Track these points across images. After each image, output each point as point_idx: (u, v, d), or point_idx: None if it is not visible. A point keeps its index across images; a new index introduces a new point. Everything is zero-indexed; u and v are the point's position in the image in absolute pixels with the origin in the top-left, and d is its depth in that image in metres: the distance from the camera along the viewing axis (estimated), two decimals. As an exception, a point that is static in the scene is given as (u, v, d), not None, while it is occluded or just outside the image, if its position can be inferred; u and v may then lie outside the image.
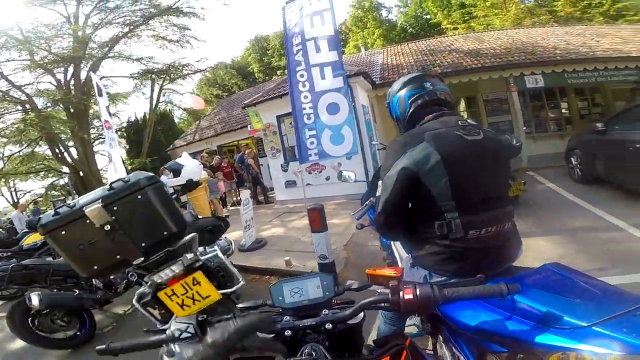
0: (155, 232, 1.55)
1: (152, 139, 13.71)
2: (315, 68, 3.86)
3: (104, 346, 0.75)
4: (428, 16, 26.89)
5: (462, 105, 10.16)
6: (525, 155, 7.28)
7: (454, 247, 1.10)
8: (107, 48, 11.99)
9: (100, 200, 1.42)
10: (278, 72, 26.30)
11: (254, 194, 8.55)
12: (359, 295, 0.84)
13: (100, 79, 10.26)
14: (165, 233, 1.56)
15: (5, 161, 13.38)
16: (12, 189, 18.50)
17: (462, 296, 0.71)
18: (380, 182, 1.20)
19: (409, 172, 1.11)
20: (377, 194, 1.21)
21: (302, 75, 3.93)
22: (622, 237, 3.31)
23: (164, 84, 13.86)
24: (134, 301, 1.81)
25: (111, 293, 3.36)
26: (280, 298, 0.81)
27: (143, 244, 1.52)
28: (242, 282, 2.02)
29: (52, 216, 1.40)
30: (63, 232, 1.38)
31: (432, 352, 1.42)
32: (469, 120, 1.23)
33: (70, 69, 11.61)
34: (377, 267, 0.92)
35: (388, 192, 1.15)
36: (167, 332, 0.72)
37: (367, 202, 1.86)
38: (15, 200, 18.00)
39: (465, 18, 22.65)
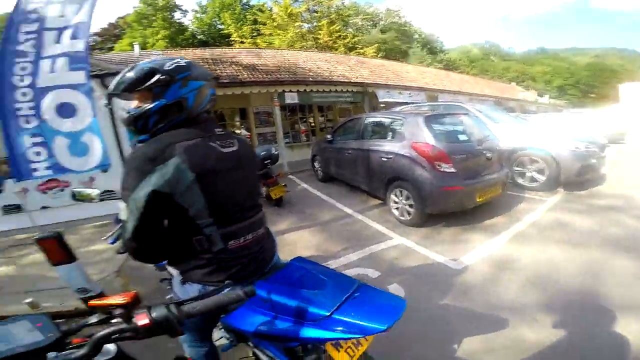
0: None
1: None
2: (47, 60, 2.96)
3: None
4: (222, 26, 26.92)
5: (237, 116, 11.07)
6: (286, 161, 8.81)
7: (219, 258, 1.08)
8: None
9: None
10: None
11: None
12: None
13: None
14: None
15: None
16: None
17: (204, 309, 0.71)
18: (123, 205, 1.00)
19: (161, 195, 0.97)
20: (123, 217, 1.01)
21: (23, 69, 2.92)
22: (352, 222, 4.53)
23: None
24: None
25: None
26: None
27: None
28: None
29: None
30: None
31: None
32: (224, 131, 1.19)
33: None
34: (102, 297, 0.77)
35: (136, 217, 0.97)
36: None
37: (120, 224, 1.54)
38: None
39: (254, 34, 24.23)
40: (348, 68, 12.42)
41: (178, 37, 26.35)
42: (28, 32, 2.97)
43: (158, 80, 1.06)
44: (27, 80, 2.92)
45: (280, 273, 1.17)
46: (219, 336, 1.44)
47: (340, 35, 23.12)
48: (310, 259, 1.32)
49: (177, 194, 0.99)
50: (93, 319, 0.75)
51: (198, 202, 1.02)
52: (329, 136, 6.30)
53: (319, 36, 22.43)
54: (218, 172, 1.07)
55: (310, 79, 9.95)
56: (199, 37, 27.51)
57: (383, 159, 4.44)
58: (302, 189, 6.77)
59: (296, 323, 0.97)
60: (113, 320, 0.70)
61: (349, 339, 0.99)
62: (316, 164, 7.12)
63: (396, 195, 4.29)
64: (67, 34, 3.05)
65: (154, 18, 25.82)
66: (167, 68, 1.08)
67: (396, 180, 4.27)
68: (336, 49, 20.96)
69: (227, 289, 0.77)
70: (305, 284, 1.08)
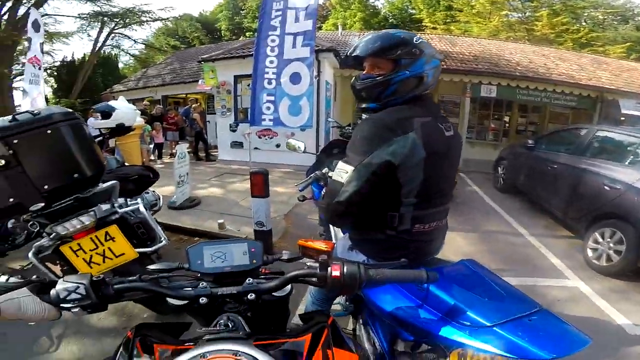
0: (63, 173, 1.33)
1: (88, 82, 12.67)
2: (290, 36, 3.73)
3: None
4: (413, 11, 27.07)
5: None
6: (462, 157, 7.84)
7: (398, 237, 1.09)
8: None
9: None
10: (247, 34, 24.70)
11: (195, 149, 8.19)
12: (290, 267, 0.79)
13: (45, 16, 8.99)
14: (75, 176, 1.36)
15: None
16: None
17: (385, 278, 0.70)
18: (346, 166, 1.02)
19: (391, 166, 0.98)
20: (339, 178, 1.03)
21: (273, 41, 3.77)
22: (522, 244, 3.79)
23: (116, 27, 12.53)
24: (30, 254, 1.54)
25: (7, 244, 2.77)
26: (199, 262, 0.72)
27: (45, 187, 1.29)
28: (164, 242, 1.82)
29: None
30: None
31: (351, 333, 1.44)
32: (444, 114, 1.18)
33: (9, 4, 10.44)
34: (310, 238, 0.85)
35: (361, 182, 0.99)
36: (52, 291, 0.60)
37: (312, 175, 1.79)
38: None
39: (447, 20, 23.19)
40: (576, 67, 9.72)
41: (372, 19, 27.20)
42: (277, 10, 3.78)
43: (409, 52, 1.06)
44: (276, 51, 3.77)
45: (448, 268, 1.11)
46: (337, 301, 1.49)
47: (568, 29, 18.35)
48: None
49: (403, 168, 0.99)
50: (284, 256, 0.81)
51: (415, 181, 1.01)
52: (530, 141, 5.28)
53: (534, 27, 18.69)
54: (440, 154, 1.05)
55: (518, 73, 8.51)
56: (390, 20, 27.57)
57: (605, 187, 3.37)
58: (471, 191, 6.10)
59: (443, 320, 0.90)
60: (309, 264, 0.73)
61: (497, 356, 0.83)
62: (500, 169, 6.16)
63: (602, 235, 3.27)
64: (302, 14, 3.71)
65: (352, 1, 27.56)
66: (416, 42, 1.07)
67: (612, 217, 3.23)
68: (560, 44, 16.86)
69: (415, 269, 0.75)
70: (473, 288, 0.98)
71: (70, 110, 1.42)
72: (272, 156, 6.84)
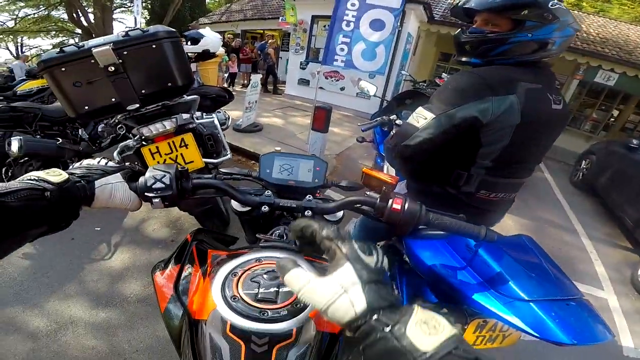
0: (159, 81, 1.50)
1: (177, 14, 13.23)
2: None
3: None
4: None
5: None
6: None
7: (458, 197, 1.06)
8: None
9: (111, 44, 1.35)
10: None
11: (265, 81, 8.56)
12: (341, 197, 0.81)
13: None
14: (169, 84, 1.51)
15: (17, 21, 12.54)
16: (19, 44, 17.64)
17: (443, 224, 0.68)
18: (426, 112, 0.96)
19: (476, 123, 0.91)
20: (415, 122, 0.97)
21: None
22: (572, 243, 3.48)
23: None
24: (115, 153, 1.75)
25: (95, 147, 3.10)
26: (268, 171, 0.76)
27: (143, 91, 1.47)
28: (228, 155, 1.99)
29: (56, 53, 1.32)
30: (63, 69, 1.32)
31: None
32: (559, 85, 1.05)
33: None
34: (374, 169, 0.83)
35: (438, 131, 0.93)
36: (141, 179, 0.63)
37: (378, 119, 1.77)
38: (21, 53, 17.01)
39: None
40: None
41: None
42: None
43: (539, 15, 0.93)
44: None
45: (505, 238, 1.04)
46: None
47: None
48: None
49: (489, 129, 0.92)
50: (342, 183, 0.82)
51: (497, 145, 0.95)
52: (635, 142, 4.49)
53: None
54: (538, 125, 0.97)
55: (656, 66, 6.98)
56: None
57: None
58: (542, 178, 5.58)
59: (482, 285, 0.90)
60: (369, 193, 0.71)
61: (521, 331, 0.84)
62: (584, 163, 5.44)
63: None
64: None
65: None
66: (552, 6, 0.94)
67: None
68: None
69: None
70: (522, 262, 0.96)
71: (174, 29, 1.54)
72: (335, 98, 6.98)
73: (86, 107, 1.43)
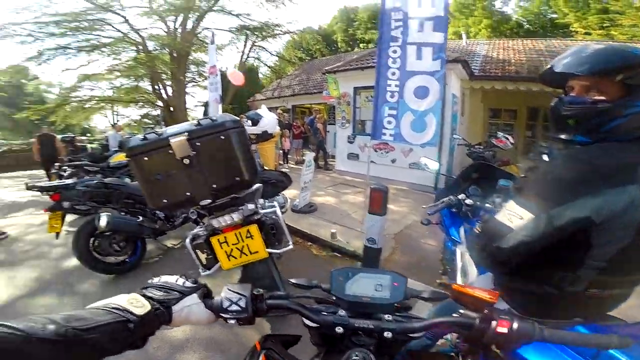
0: (228, 175, 1.54)
1: (236, 90, 14.69)
2: (412, 46, 3.55)
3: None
4: (555, 15, 23.21)
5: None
6: None
7: (561, 297, 0.88)
8: (213, 2, 12.94)
9: (186, 133, 1.44)
10: (361, 45, 25.40)
11: (315, 157, 8.76)
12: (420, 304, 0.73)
13: (204, 30, 11.25)
14: (237, 179, 1.54)
15: (114, 91, 15.37)
16: (115, 113, 21.43)
17: (562, 341, 0.59)
18: (522, 210, 0.81)
19: (588, 224, 0.75)
20: (508, 222, 0.83)
21: (394, 52, 3.65)
22: None
23: (256, 40, 14.68)
24: (186, 241, 1.85)
25: (168, 225, 3.39)
26: (340, 286, 0.72)
27: (214, 185, 1.52)
28: (290, 246, 1.99)
29: (140, 140, 1.44)
30: (145, 158, 1.43)
31: None
32: None
33: (180, 19, 12.94)
34: (467, 285, 0.73)
35: (538, 234, 0.78)
36: (216, 297, 0.66)
37: (444, 199, 1.67)
38: (115, 122, 20.77)
39: (605, 24, 19.07)
40: None
41: (501, 26, 24.21)
42: (397, 20, 3.63)
43: None
44: (398, 63, 3.64)
45: (631, 328, 0.87)
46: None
47: None
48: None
49: (603, 229, 0.75)
50: (425, 294, 0.73)
51: (615, 245, 0.78)
52: None
53: None
54: None
55: None
56: (525, 26, 24.09)
57: None
58: None
59: None
60: (462, 311, 0.64)
61: None
62: None
63: None
64: (428, 25, 3.47)
65: (474, 7, 24.94)
66: None
67: None
68: None
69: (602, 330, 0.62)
70: None
71: (238, 118, 1.62)
72: (386, 171, 6.80)
73: (164, 201, 1.49)
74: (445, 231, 1.82)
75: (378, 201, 2.95)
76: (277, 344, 0.72)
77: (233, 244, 1.80)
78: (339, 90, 7.87)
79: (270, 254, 1.89)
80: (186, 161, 1.44)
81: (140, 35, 12.65)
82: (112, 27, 12.17)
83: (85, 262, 2.81)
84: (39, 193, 3.09)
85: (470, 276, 1.45)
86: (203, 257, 1.85)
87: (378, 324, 0.65)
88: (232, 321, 0.64)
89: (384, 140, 3.94)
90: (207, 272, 1.86)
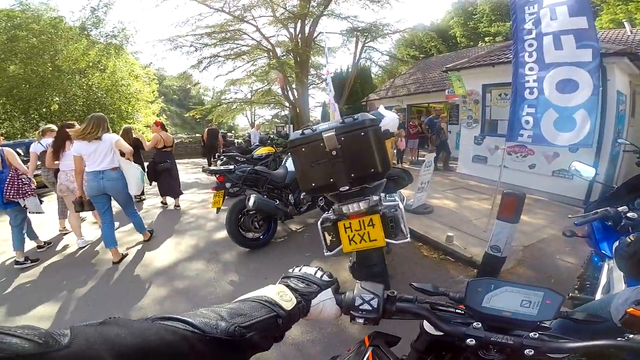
0: (366, 166, 1.78)
1: (350, 90, 15.29)
2: (547, 37, 3.16)
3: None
4: None
5: None
6: None
7: None
8: (323, 7, 13.56)
9: (334, 130, 1.74)
10: (486, 39, 22.37)
11: (435, 158, 8.36)
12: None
13: (319, 34, 11.89)
14: (372, 170, 1.77)
15: (253, 93, 18.02)
16: (252, 112, 25.00)
17: None
18: None
19: None
20: None
21: (530, 45, 3.29)
22: None
23: (366, 41, 14.72)
24: (318, 223, 2.10)
25: (296, 211, 3.91)
26: (478, 297, 0.64)
27: (352, 175, 1.78)
28: (408, 239, 2.06)
29: (299, 135, 1.81)
30: (303, 149, 1.78)
31: None
32: None
33: (298, 26, 13.98)
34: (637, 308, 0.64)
35: None
36: (348, 293, 0.65)
37: (600, 210, 1.47)
38: (252, 121, 24.52)
39: None
40: None
41: None
42: (531, 13, 3.25)
43: None
44: (534, 56, 3.24)
45: None
46: None
47: None
48: None
49: None
50: (578, 315, 0.64)
51: None
52: None
53: None
54: None
55: None
56: None
57: None
58: None
59: None
60: (632, 337, 0.56)
61: None
62: None
63: None
64: (561, 10, 3.02)
65: None
66: None
67: None
68: None
69: None
70: None
71: (375, 117, 1.85)
72: (521, 177, 5.91)
73: (313, 184, 1.83)
74: (594, 245, 1.59)
75: (511, 207, 2.68)
76: (383, 342, 0.72)
77: (356, 230, 1.99)
78: (465, 88, 7.31)
79: (387, 243, 2.00)
80: (333, 153, 1.74)
81: (270, 43, 14.24)
82: (248, 35, 14.02)
83: (232, 235, 3.45)
84: (202, 176, 3.99)
85: (612, 288, 1.26)
86: (329, 238, 2.08)
87: (519, 340, 0.60)
88: (360, 320, 0.62)
89: (520, 142, 3.54)
90: (329, 253, 2.08)
